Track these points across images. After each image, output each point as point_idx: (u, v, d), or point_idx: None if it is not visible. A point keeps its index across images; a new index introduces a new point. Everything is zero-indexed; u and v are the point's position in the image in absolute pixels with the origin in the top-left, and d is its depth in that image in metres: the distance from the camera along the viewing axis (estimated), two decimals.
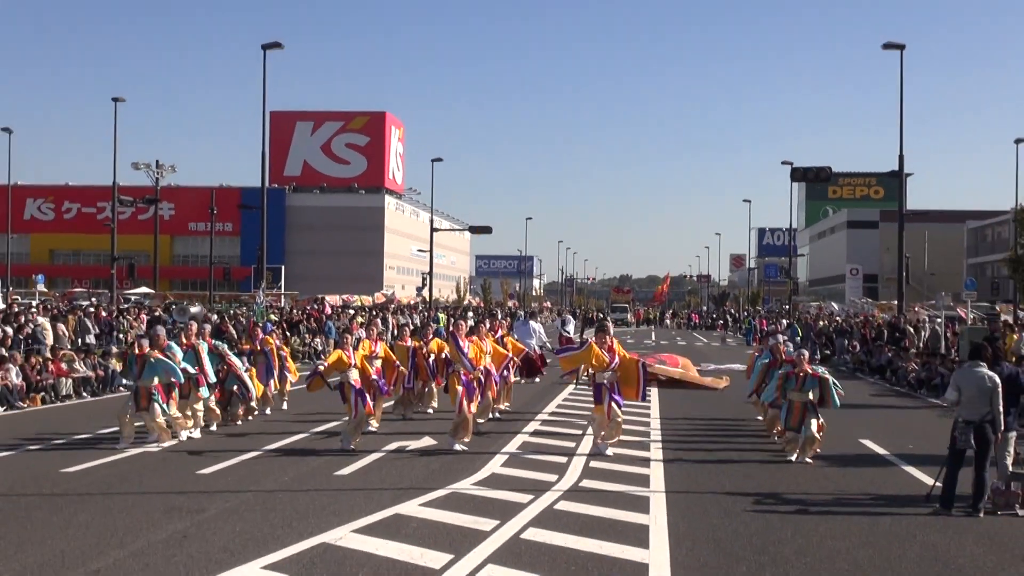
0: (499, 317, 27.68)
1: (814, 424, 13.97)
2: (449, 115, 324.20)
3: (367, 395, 14.92)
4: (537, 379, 25.08)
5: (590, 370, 14.99)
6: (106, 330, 30.18)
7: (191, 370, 15.63)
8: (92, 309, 32.15)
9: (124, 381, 15.25)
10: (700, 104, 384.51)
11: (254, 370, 18.46)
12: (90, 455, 13.77)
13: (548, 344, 29.31)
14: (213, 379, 16.37)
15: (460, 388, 14.91)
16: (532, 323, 29.53)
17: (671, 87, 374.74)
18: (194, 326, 16.82)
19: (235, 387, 17.19)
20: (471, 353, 15.47)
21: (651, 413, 19.35)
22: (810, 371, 14.36)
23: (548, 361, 25.69)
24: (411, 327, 27.23)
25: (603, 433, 14.40)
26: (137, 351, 15.12)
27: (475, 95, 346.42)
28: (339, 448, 14.40)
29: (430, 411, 18.87)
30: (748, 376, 18.61)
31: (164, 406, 14.85)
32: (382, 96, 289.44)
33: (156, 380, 14.88)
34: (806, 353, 14.94)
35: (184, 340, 16.33)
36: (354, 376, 14.85)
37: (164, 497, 11.00)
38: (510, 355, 19.04)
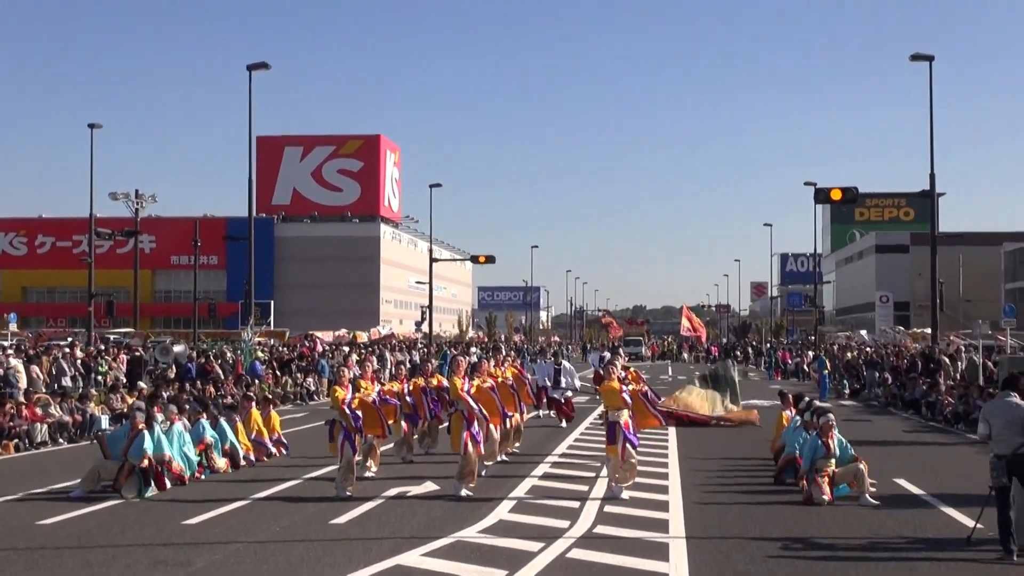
0: (503, 352, 27.32)
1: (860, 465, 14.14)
2: (448, 138, 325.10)
3: (355, 439, 14.83)
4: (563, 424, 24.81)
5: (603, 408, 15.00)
6: (83, 372, 30.20)
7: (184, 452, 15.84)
8: (68, 350, 32.17)
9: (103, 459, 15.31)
10: (716, 122, 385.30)
11: (240, 426, 18.43)
12: (67, 506, 13.74)
13: (577, 385, 28.19)
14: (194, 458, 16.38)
15: (465, 430, 14.81)
16: (565, 363, 27.95)
17: (683, 106, 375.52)
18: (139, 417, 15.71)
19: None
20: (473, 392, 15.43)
21: (669, 453, 19.32)
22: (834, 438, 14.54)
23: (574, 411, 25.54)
24: (408, 365, 27.11)
25: (617, 475, 14.36)
26: (132, 428, 15.16)
27: (476, 116, 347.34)
28: (334, 495, 14.38)
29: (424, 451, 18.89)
30: (774, 446, 17.73)
31: (143, 487, 14.71)
32: (376, 118, 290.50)
33: (144, 456, 14.86)
34: (831, 416, 14.90)
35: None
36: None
37: (147, 550, 10.98)
38: (517, 394, 18.87)
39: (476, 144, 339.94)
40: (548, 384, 25.52)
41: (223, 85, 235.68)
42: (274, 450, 19.20)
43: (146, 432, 15.10)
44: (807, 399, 17.36)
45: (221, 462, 17.07)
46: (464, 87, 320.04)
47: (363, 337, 63.10)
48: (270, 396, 23.30)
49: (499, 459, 17.80)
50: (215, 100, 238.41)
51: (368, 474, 16.05)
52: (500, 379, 17.94)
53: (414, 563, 10.24)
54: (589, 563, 10.26)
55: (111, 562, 10.39)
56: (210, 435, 17.08)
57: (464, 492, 14.35)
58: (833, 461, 14.32)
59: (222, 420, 17.82)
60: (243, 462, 17.68)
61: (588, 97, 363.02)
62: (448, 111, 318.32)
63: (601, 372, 15.10)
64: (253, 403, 19.89)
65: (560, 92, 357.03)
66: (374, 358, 38.22)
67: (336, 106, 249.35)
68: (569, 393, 26.09)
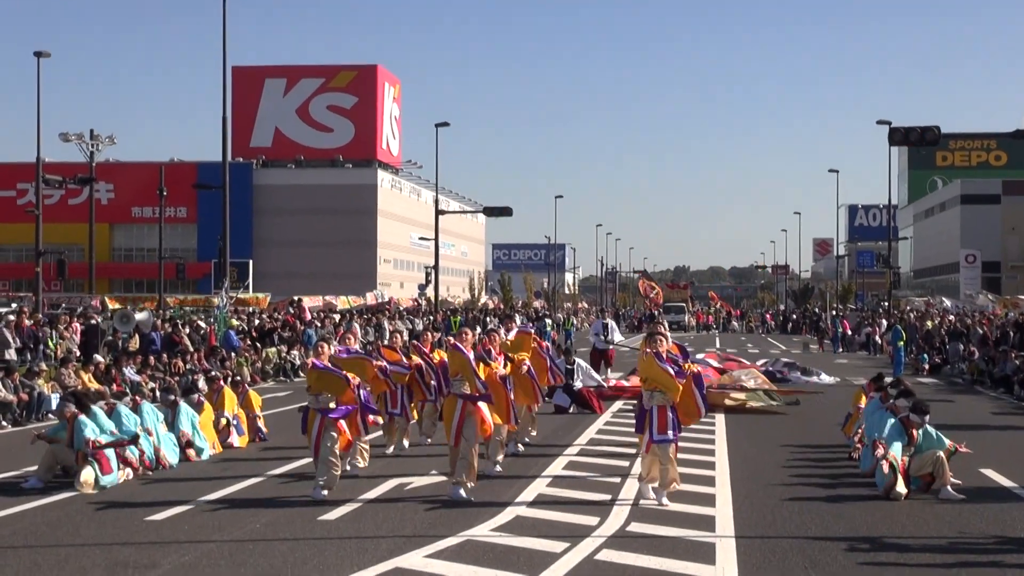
0: (517, 321, 26.91)
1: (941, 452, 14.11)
2: (456, 70, 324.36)
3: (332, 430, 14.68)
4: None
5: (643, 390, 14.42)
6: (30, 343, 30.31)
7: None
8: (13, 317, 32.29)
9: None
10: (771, 53, 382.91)
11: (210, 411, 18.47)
12: (12, 500, 13.83)
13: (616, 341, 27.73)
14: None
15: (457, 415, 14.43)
16: (580, 361, 27.48)
17: (733, 35, 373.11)
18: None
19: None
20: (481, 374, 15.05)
21: (716, 438, 19.31)
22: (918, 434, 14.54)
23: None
24: (404, 335, 26.62)
25: (653, 474, 13.84)
26: (67, 414, 15.31)
27: (488, 44, 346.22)
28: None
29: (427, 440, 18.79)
30: (849, 429, 18.04)
31: (100, 474, 14.72)
32: (373, 47, 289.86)
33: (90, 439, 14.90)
34: (921, 419, 14.81)
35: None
36: (330, 404, 14.67)
37: (106, 550, 11.05)
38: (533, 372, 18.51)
39: (489, 77, 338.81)
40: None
41: (194, 7, 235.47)
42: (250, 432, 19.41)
43: (81, 417, 15.14)
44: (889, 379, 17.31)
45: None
46: (475, 11, 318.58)
47: (348, 303, 62.64)
48: (240, 378, 23.27)
49: (514, 448, 17.65)
50: (185, 25, 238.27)
51: (359, 466, 16.01)
52: (517, 362, 17.39)
53: (417, 566, 10.29)
54: (622, 566, 10.29)
55: (63, 564, 10.46)
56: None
57: (463, 493, 14.10)
58: (911, 450, 14.31)
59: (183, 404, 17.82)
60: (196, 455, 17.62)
61: (622, 24, 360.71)
62: (456, 39, 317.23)
63: (600, 349, 14.17)
64: (223, 383, 20.04)
65: (589, 17, 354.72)
66: (357, 327, 38.04)
67: (327, 33, 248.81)
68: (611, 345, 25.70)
